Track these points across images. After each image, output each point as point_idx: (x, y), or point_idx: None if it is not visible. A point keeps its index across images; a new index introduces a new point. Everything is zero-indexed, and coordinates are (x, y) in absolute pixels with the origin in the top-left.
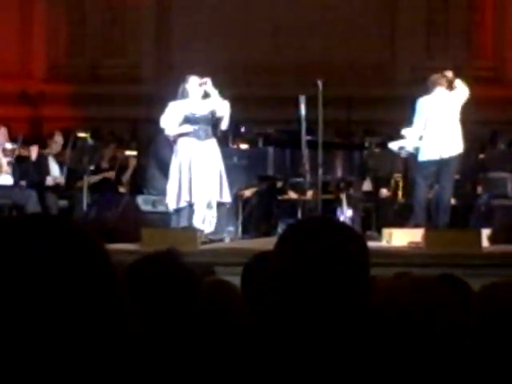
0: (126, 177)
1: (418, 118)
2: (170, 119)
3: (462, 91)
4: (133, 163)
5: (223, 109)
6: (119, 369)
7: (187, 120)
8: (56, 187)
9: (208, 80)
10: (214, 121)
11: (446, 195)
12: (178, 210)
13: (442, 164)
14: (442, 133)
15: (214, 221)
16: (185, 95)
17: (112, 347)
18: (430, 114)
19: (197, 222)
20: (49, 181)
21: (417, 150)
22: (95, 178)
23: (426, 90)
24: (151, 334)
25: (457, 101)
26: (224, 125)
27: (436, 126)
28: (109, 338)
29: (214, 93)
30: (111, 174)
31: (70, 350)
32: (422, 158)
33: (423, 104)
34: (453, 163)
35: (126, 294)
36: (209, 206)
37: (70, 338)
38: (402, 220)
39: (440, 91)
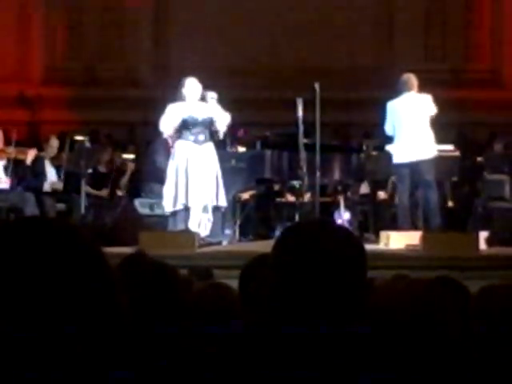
0: (124, 180)
1: (387, 121)
2: (169, 121)
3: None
4: (130, 167)
5: (222, 123)
6: (117, 368)
7: (186, 123)
8: (54, 193)
9: (214, 94)
10: (211, 130)
11: (430, 197)
12: (174, 213)
13: (415, 167)
14: (412, 136)
15: (209, 224)
16: (183, 98)
17: (110, 349)
18: (398, 117)
19: (192, 226)
20: (46, 187)
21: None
22: (91, 192)
23: (399, 90)
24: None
25: (426, 105)
26: (220, 136)
27: (405, 129)
28: (108, 338)
29: (217, 107)
30: (104, 193)
31: (68, 350)
32: (394, 160)
33: (390, 108)
34: (426, 166)
35: (124, 294)
36: (204, 209)
37: (68, 339)
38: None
39: (409, 95)
